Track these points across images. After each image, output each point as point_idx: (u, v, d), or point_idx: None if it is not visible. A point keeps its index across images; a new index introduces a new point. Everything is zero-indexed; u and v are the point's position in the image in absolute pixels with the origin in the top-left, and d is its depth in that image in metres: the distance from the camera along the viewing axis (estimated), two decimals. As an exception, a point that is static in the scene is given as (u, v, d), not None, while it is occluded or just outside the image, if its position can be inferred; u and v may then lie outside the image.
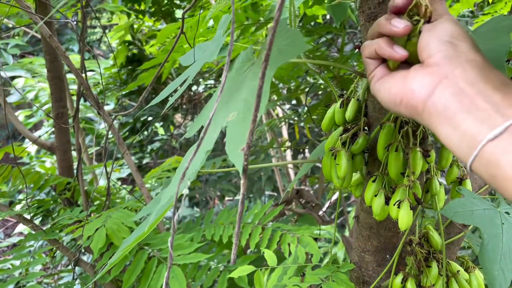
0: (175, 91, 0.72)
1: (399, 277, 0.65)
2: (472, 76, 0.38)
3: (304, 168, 0.85)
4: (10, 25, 2.62)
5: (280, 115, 2.34)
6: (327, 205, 2.80)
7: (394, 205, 0.55)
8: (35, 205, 1.38)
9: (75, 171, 1.41)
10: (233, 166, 0.55)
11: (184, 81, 0.67)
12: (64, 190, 1.33)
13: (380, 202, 0.57)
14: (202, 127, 0.58)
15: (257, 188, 3.46)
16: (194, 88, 3.13)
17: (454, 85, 0.38)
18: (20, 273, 1.73)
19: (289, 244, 1.09)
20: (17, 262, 2.10)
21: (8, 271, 1.24)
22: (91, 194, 1.35)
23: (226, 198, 3.75)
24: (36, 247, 1.33)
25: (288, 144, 2.19)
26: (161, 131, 3.51)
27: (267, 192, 3.22)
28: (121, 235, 1.01)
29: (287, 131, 2.24)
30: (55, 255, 1.39)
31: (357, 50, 0.65)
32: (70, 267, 2.22)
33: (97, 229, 1.00)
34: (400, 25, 0.43)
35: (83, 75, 1.17)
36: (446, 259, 0.71)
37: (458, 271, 0.72)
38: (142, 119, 3.16)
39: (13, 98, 3.27)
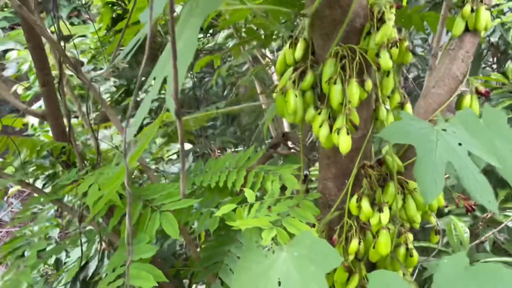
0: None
1: (354, 198, 0.72)
2: None
3: (273, 108, 0.90)
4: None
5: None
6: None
7: (334, 132, 0.60)
8: (38, 171, 1.46)
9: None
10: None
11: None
12: (60, 154, 1.40)
13: (325, 132, 0.63)
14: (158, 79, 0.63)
15: (256, 137, 3.52)
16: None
17: None
18: (39, 238, 1.84)
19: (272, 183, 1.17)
20: (36, 228, 2.23)
21: (29, 237, 1.32)
22: (86, 155, 1.43)
23: (229, 151, 3.84)
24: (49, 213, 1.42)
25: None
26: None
27: (267, 142, 3.28)
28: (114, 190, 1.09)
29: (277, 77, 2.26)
30: (61, 215, 1.49)
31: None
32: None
33: (90, 186, 1.07)
34: None
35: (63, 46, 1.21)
36: (403, 178, 0.78)
37: (415, 188, 0.79)
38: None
39: (9, 72, 3.30)
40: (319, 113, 0.65)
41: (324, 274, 0.60)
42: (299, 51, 0.69)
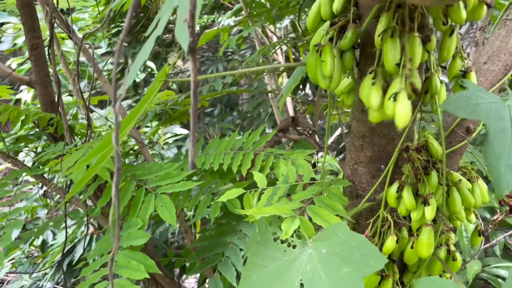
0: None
1: (394, 186, 0.60)
2: None
3: (298, 73, 0.77)
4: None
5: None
6: (331, 140, 2.77)
7: (389, 99, 0.47)
8: (22, 143, 1.33)
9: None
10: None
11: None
12: (47, 126, 1.27)
13: (378, 95, 0.49)
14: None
15: (256, 125, 3.41)
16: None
17: None
18: (26, 217, 1.68)
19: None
20: (21, 205, 2.09)
21: (15, 211, 1.19)
22: (76, 129, 1.29)
23: (227, 139, 3.73)
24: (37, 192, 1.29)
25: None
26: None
27: (268, 131, 3.19)
28: (103, 165, 0.96)
29: (283, 58, 2.13)
30: (45, 193, 1.36)
31: None
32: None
33: (76, 161, 0.94)
34: None
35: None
36: (446, 168, 0.65)
37: (460, 180, 0.66)
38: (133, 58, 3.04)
39: (4, 46, 3.15)
40: (373, 76, 0.51)
41: (361, 278, 0.48)
42: (338, 2, 0.56)
